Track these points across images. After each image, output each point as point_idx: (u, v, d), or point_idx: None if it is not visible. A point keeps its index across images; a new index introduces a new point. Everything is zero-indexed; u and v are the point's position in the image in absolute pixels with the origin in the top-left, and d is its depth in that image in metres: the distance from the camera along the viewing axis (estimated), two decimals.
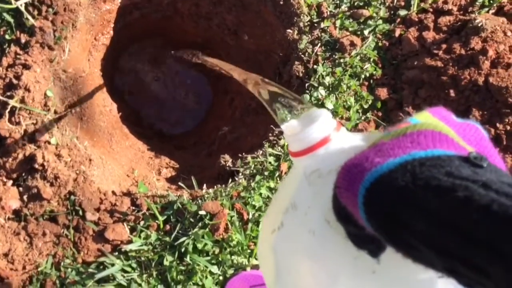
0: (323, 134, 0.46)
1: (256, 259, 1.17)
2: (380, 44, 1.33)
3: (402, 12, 1.34)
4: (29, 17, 1.20)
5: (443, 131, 0.36)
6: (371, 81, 1.32)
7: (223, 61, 0.96)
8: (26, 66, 1.20)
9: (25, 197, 1.15)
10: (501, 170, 0.33)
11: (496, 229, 0.27)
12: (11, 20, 1.23)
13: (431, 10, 1.33)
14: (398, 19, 1.34)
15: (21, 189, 1.16)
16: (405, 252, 0.34)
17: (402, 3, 1.35)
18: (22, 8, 1.20)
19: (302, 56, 1.31)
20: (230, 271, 1.18)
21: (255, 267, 1.19)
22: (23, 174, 1.16)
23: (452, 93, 1.23)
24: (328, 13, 1.33)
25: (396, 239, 0.34)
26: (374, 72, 1.31)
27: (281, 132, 1.26)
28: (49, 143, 1.17)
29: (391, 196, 0.33)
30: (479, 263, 0.28)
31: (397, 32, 1.32)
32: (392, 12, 1.35)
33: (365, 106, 1.29)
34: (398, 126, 0.38)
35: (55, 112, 1.21)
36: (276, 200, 0.53)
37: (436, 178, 0.31)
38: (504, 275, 0.26)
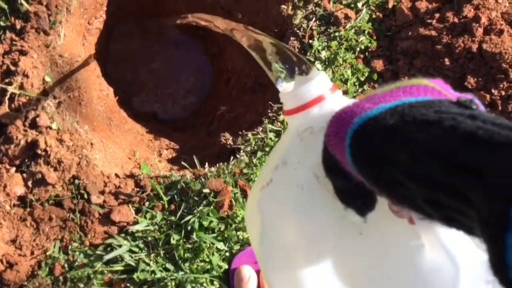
0: (318, 93, 0.47)
1: None
2: (374, 16, 1.34)
3: None
4: (23, 2, 1.20)
5: (436, 88, 0.37)
6: (367, 53, 1.33)
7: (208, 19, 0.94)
8: (22, 52, 1.20)
9: (29, 183, 1.15)
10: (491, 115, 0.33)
11: (480, 153, 0.27)
12: (5, 6, 1.22)
13: None
14: None
15: (25, 175, 1.16)
16: (388, 191, 0.34)
17: None
18: None
19: (297, 31, 1.32)
20: (236, 247, 1.20)
21: None
22: (26, 160, 1.17)
23: (447, 61, 1.25)
24: None
25: (380, 176, 0.34)
26: (369, 45, 1.32)
27: (280, 108, 1.27)
28: (50, 128, 1.17)
29: (377, 134, 0.34)
30: (461, 188, 0.28)
31: (390, 3, 1.33)
32: None
33: (362, 79, 1.30)
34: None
35: (54, 97, 1.21)
36: (268, 161, 0.53)
37: (424, 114, 0.32)
38: (485, 199, 0.26)
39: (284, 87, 0.51)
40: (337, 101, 0.47)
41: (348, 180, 0.38)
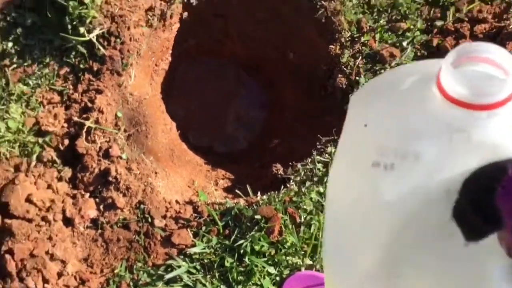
0: (503, 96, 0.35)
1: (310, 259, 1.26)
2: (418, 54, 1.41)
3: (439, 23, 1.41)
4: (100, 47, 1.37)
5: None
6: None
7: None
8: (98, 91, 1.37)
9: (101, 207, 1.29)
10: None
11: None
12: (85, 51, 1.40)
13: (466, 19, 1.40)
14: (435, 30, 1.41)
15: (97, 200, 1.30)
16: None
17: (438, 14, 1.43)
18: (94, 40, 1.37)
19: (345, 69, 1.41)
20: (286, 271, 1.26)
21: (309, 267, 1.27)
22: (99, 187, 1.31)
23: None
24: (368, 27, 1.43)
25: None
26: None
27: (328, 141, 1.35)
28: (120, 158, 1.32)
29: None
30: None
31: (435, 42, 1.40)
32: (429, 23, 1.43)
33: None
34: None
35: (125, 130, 1.36)
36: (388, 120, 0.44)
37: None
38: None
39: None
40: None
41: (486, 222, 0.35)
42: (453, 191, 0.36)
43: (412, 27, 1.42)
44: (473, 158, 0.35)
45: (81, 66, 1.41)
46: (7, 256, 1.20)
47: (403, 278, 0.42)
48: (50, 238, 1.24)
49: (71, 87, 1.41)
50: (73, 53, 1.42)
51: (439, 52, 1.40)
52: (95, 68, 1.40)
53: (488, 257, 0.37)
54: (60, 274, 1.22)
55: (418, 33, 1.41)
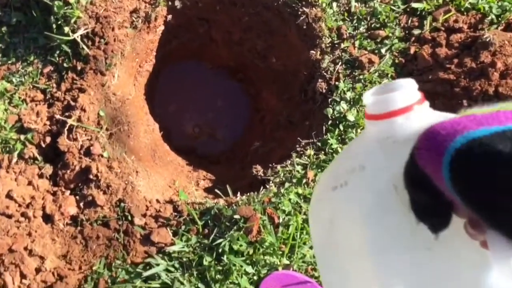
0: (406, 103, 0.45)
1: (287, 258, 1.28)
2: (396, 61, 1.45)
3: (416, 31, 1.45)
4: (85, 47, 1.39)
5: None
6: None
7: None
8: (81, 90, 1.38)
9: (81, 204, 1.30)
10: None
11: None
12: (69, 51, 1.42)
13: (443, 28, 1.45)
14: (413, 38, 1.46)
15: (77, 197, 1.31)
16: (488, 215, 0.34)
17: (416, 23, 1.47)
18: (79, 39, 1.38)
19: (325, 74, 1.44)
20: (264, 271, 1.28)
21: (286, 267, 1.29)
22: (80, 184, 1.32)
23: (465, 103, 1.33)
24: (348, 34, 1.47)
25: (483, 200, 0.33)
26: None
27: (308, 144, 1.38)
28: (102, 156, 1.33)
29: (487, 158, 0.33)
30: None
31: (412, 50, 1.44)
32: (406, 31, 1.47)
33: None
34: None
35: (107, 129, 1.38)
36: (339, 160, 0.53)
37: None
38: None
39: (374, 88, 0.50)
40: (424, 114, 0.46)
41: (431, 196, 0.38)
42: (399, 186, 0.41)
43: (390, 35, 1.46)
44: (405, 153, 0.40)
45: (65, 65, 1.42)
46: None
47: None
48: (29, 234, 1.24)
49: (54, 85, 1.42)
50: (57, 52, 1.44)
51: (415, 60, 1.44)
52: (78, 68, 1.42)
53: (462, 243, 0.41)
54: (38, 270, 1.23)
55: (396, 40, 1.46)
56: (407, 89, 0.46)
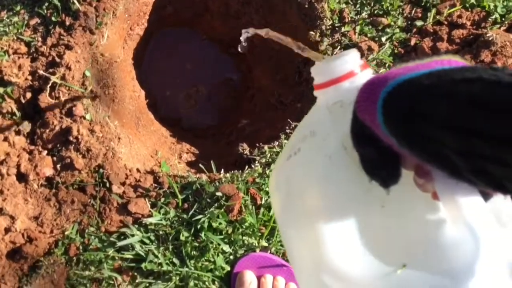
0: (349, 68, 0.48)
1: (266, 241, 1.26)
2: (396, 51, 1.42)
3: (419, 23, 1.42)
4: (75, 1, 1.32)
5: (466, 63, 0.37)
6: None
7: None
8: (68, 47, 1.31)
9: (58, 166, 1.25)
10: None
11: None
12: (58, 4, 1.34)
13: (446, 23, 1.42)
14: (414, 29, 1.43)
15: (55, 158, 1.26)
16: (420, 148, 0.34)
17: (419, 15, 1.44)
18: None
19: None
20: (241, 251, 1.26)
21: (264, 249, 1.27)
22: (58, 145, 1.26)
23: None
24: (349, 18, 1.43)
25: (413, 133, 0.34)
26: None
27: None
28: (84, 118, 1.28)
29: (412, 91, 0.34)
30: (506, 132, 0.28)
31: (413, 41, 1.41)
32: (409, 22, 1.44)
33: None
34: None
35: (91, 91, 1.32)
36: (295, 133, 0.54)
37: (463, 74, 0.32)
38: None
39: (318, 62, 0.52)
40: (367, 78, 0.45)
41: (375, 146, 0.39)
42: (348, 145, 0.43)
43: (392, 23, 1.42)
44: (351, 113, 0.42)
45: (53, 18, 1.35)
46: None
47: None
48: (1, 192, 1.19)
49: (40, 39, 1.35)
50: (46, 4, 1.36)
51: (415, 52, 1.41)
52: (67, 23, 1.34)
53: (415, 199, 0.43)
54: (7, 230, 1.18)
55: (397, 30, 1.42)
56: (349, 56, 0.48)
